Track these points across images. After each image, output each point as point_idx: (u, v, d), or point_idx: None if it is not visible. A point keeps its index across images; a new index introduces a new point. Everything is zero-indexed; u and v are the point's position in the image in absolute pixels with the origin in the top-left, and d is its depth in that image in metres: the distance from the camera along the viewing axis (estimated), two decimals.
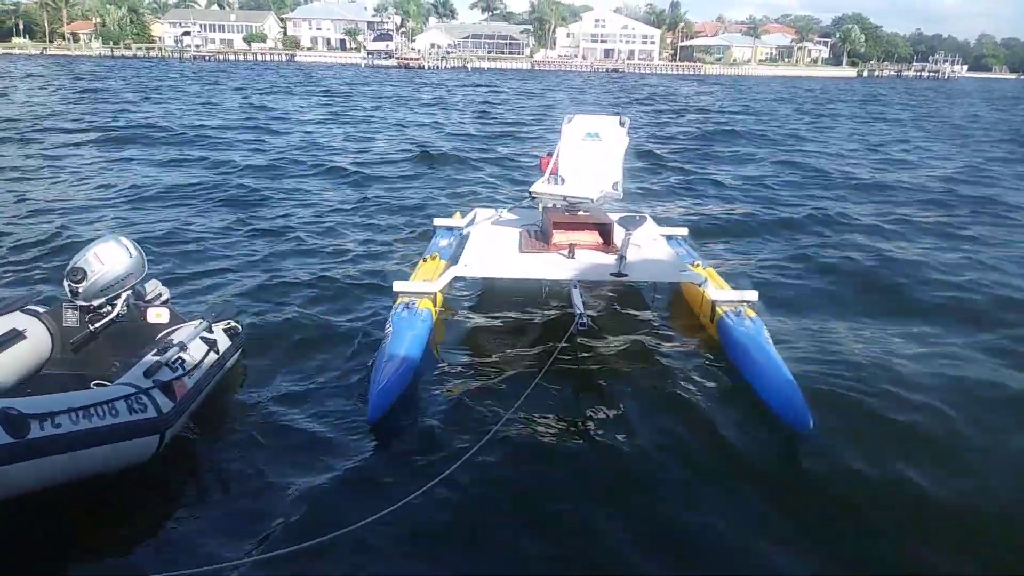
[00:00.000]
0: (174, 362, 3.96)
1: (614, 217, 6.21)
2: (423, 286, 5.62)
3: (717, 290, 5.51)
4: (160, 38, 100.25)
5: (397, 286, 5.59)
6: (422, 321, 5.23)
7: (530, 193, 6.56)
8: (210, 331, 4.45)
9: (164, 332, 4.49)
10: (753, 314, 5.21)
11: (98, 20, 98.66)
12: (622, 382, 4.93)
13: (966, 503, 3.68)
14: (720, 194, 12.60)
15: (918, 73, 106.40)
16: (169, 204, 10.49)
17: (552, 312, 6.09)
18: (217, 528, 3.48)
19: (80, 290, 4.34)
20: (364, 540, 3.21)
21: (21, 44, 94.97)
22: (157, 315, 4.60)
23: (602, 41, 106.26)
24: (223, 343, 4.55)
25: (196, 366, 4.12)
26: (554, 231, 6.06)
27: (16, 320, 4.32)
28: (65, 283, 4.39)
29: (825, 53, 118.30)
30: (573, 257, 5.81)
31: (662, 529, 3.48)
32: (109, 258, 4.42)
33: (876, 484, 3.81)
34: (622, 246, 5.61)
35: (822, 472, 3.92)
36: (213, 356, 4.35)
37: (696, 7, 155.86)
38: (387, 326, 5.18)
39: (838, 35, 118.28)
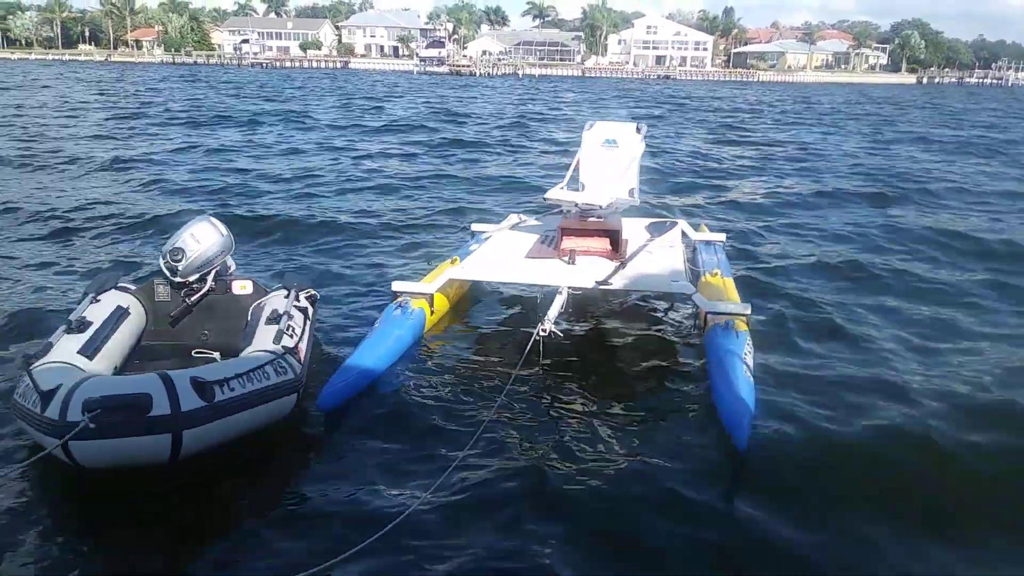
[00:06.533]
0: (289, 329, 4.35)
1: (644, 223, 6.13)
2: (419, 286, 5.73)
3: (708, 302, 5.43)
4: (220, 45, 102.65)
5: (396, 285, 5.73)
6: (411, 322, 5.36)
7: (544, 199, 6.63)
8: (298, 299, 4.75)
9: (254, 303, 4.85)
10: (744, 328, 5.10)
11: (160, 28, 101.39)
12: (596, 388, 4.90)
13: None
14: None
15: (981, 80, 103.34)
16: None
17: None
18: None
19: (179, 268, 4.63)
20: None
21: (87, 51, 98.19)
22: (242, 287, 4.96)
23: (654, 48, 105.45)
24: (310, 310, 4.86)
25: (303, 331, 4.48)
26: (563, 237, 6.11)
27: (117, 298, 4.62)
28: (164, 261, 4.68)
29: (883, 59, 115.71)
30: (573, 263, 5.80)
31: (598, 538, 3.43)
32: (204, 237, 4.72)
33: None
34: (630, 254, 5.56)
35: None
36: (308, 322, 4.67)
37: (750, 13, 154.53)
38: (376, 322, 5.31)
39: (897, 41, 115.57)
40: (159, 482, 3.65)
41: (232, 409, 3.66)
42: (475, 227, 7.82)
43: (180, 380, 3.52)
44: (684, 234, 7.16)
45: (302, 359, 4.31)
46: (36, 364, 3.82)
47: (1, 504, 3.59)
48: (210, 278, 4.80)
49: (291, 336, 4.33)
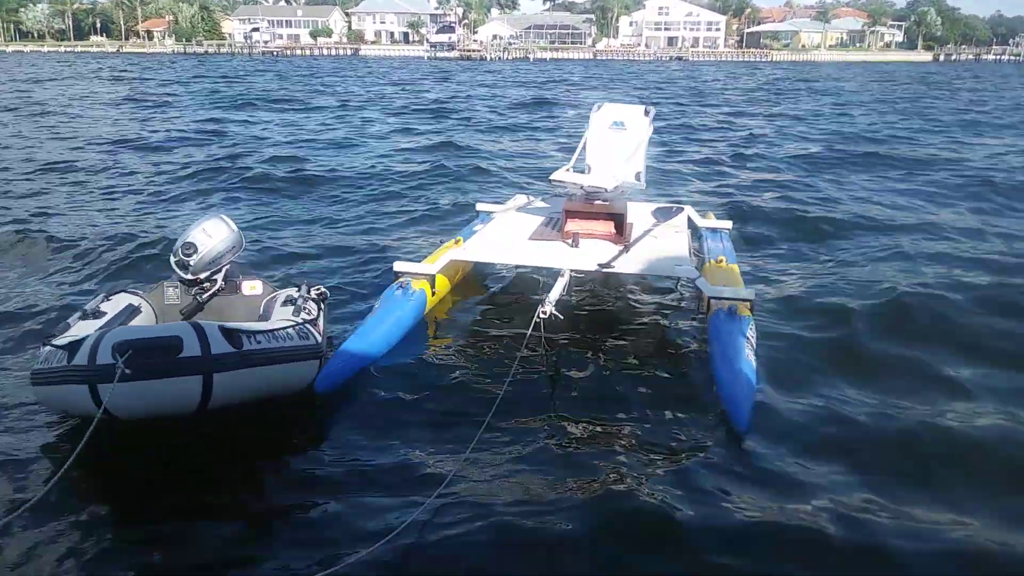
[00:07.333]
0: (306, 309, 4.49)
1: (650, 207, 6.04)
2: (421, 267, 5.68)
3: (711, 287, 5.29)
4: (230, 34, 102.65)
5: (397, 266, 5.69)
6: (411, 303, 5.31)
7: (550, 180, 6.56)
8: (309, 294, 4.84)
9: (264, 301, 4.88)
10: (747, 314, 5.00)
11: (171, 18, 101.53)
12: (598, 371, 4.81)
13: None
14: None
15: (998, 57, 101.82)
16: None
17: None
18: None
19: (191, 263, 4.61)
20: None
21: (99, 42, 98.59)
22: (251, 287, 4.99)
23: (666, 29, 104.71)
24: (321, 305, 4.92)
25: (318, 316, 4.55)
26: (567, 220, 6.06)
27: (128, 298, 4.69)
28: (176, 257, 4.66)
29: (899, 37, 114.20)
30: (576, 246, 5.76)
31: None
32: (216, 233, 4.72)
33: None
34: (634, 238, 5.47)
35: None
36: (321, 312, 4.74)
37: None
38: (376, 303, 5.28)
39: (913, 18, 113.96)
40: (166, 458, 3.65)
41: (259, 361, 3.73)
42: (480, 206, 7.78)
43: (209, 327, 3.60)
44: (690, 220, 7.06)
45: (320, 334, 4.38)
46: (55, 339, 3.83)
47: (13, 468, 3.62)
48: (220, 276, 4.80)
49: (308, 314, 4.44)
